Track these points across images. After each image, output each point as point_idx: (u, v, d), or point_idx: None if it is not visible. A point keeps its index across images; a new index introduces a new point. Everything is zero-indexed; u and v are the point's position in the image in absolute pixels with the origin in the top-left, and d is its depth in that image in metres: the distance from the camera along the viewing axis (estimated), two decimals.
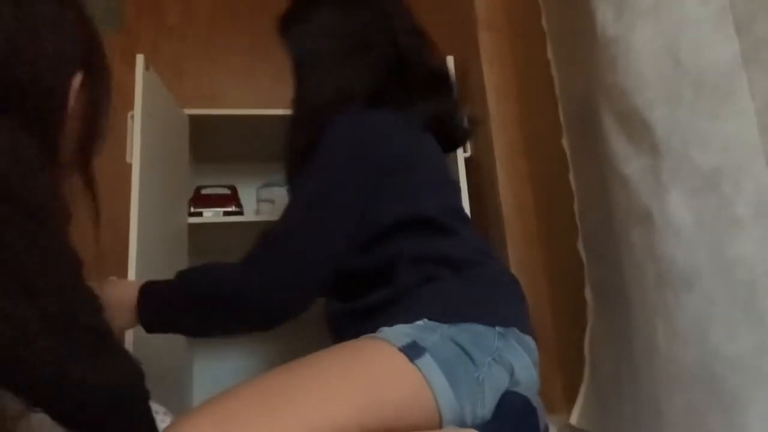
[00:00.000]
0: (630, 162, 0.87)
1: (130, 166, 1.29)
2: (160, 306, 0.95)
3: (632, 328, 0.92)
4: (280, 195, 1.82)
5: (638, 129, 0.85)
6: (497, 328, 0.85)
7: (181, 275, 0.98)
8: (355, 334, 0.84)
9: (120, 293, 0.95)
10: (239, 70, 2.09)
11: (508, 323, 0.87)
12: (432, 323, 0.83)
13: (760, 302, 0.71)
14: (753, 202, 0.72)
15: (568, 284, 1.28)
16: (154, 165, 1.37)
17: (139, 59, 1.36)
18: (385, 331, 0.82)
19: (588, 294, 1.15)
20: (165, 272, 1.44)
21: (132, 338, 1.19)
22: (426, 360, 0.76)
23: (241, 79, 2.08)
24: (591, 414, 1.13)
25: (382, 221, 0.94)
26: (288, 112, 1.71)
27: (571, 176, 1.21)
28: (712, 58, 0.76)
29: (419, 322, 0.84)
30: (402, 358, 0.75)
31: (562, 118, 1.25)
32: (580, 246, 1.18)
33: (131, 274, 1.21)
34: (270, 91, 2.08)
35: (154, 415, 0.85)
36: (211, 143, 1.83)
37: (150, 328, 0.96)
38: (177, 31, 2.07)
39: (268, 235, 0.92)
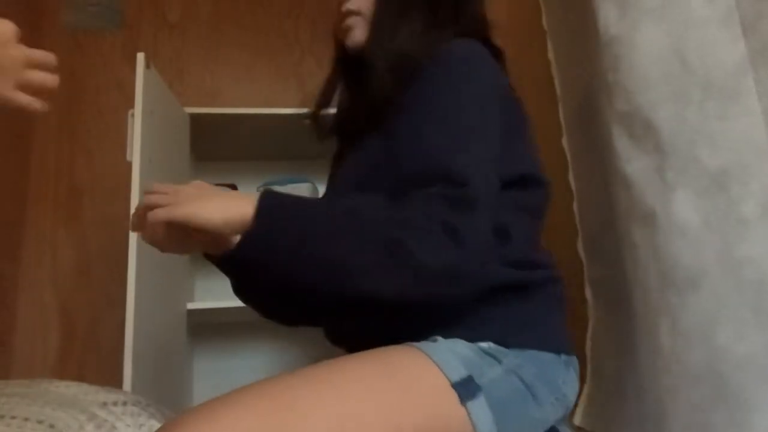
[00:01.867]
0: (632, 161, 0.87)
1: (130, 164, 1.28)
2: (299, 227, 0.69)
3: (635, 327, 0.92)
4: None
5: (642, 128, 0.85)
6: (562, 356, 0.79)
7: (347, 204, 0.73)
8: (387, 339, 0.74)
9: (222, 195, 0.73)
10: (240, 69, 2.08)
11: (570, 350, 0.81)
12: (497, 349, 0.74)
13: None
14: (761, 202, 0.72)
15: (567, 284, 1.28)
16: (155, 163, 1.37)
17: (140, 57, 1.36)
18: (441, 347, 0.72)
19: (588, 294, 1.15)
20: (165, 271, 1.44)
21: (132, 337, 1.19)
22: (478, 402, 0.68)
23: (241, 78, 2.08)
24: (594, 414, 1.13)
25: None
26: (288, 111, 1.71)
27: (570, 176, 1.21)
28: (719, 58, 0.76)
29: (483, 344, 0.75)
30: (451, 397, 0.67)
31: (562, 118, 1.24)
32: (580, 246, 1.17)
33: (131, 274, 1.21)
34: (271, 90, 2.08)
35: (144, 408, 0.85)
36: (212, 142, 1.83)
37: (248, 254, 0.70)
38: (178, 29, 2.07)
39: (456, 195, 0.71)
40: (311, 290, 0.74)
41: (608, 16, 0.89)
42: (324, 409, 0.62)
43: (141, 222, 0.75)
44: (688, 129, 0.78)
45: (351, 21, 0.93)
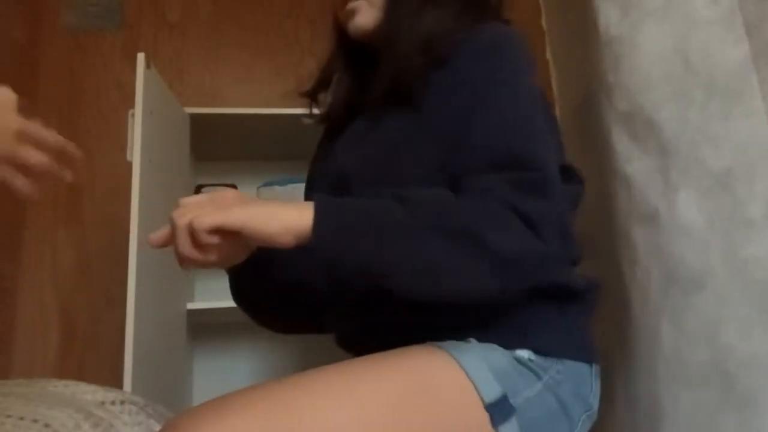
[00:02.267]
0: (633, 161, 0.87)
1: (130, 164, 1.28)
2: (364, 225, 0.64)
3: (632, 328, 0.92)
4: (281, 194, 1.81)
5: (644, 129, 0.84)
6: (593, 366, 0.77)
7: (415, 198, 0.66)
8: (412, 341, 0.70)
9: (268, 202, 0.67)
10: (240, 69, 2.08)
11: (599, 359, 0.79)
12: (538, 361, 0.70)
13: None
14: (766, 202, 0.71)
15: None
16: (155, 164, 1.37)
17: (140, 57, 1.36)
18: (474, 355, 0.67)
19: None
20: (165, 272, 1.44)
21: (132, 337, 1.19)
22: (510, 426, 0.64)
23: (242, 78, 2.08)
24: None
25: None
26: (288, 111, 1.71)
27: None
28: (722, 58, 0.76)
29: (523, 354, 0.71)
30: (482, 419, 0.62)
31: (559, 119, 1.24)
32: None
33: (131, 274, 1.21)
34: (271, 90, 2.07)
35: (143, 408, 0.85)
36: (212, 142, 1.83)
37: (324, 250, 0.64)
38: (178, 29, 2.07)
39: (528, 179, 0.68)
40: (383, 291, 0.68)
41: (609, 16, 0.89)
42: (329, 413, 0.59)
43: (172, 237, 0.68)
44: (690, 129, 0.78)
45: (356, 4, 0.89)
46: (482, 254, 0.64)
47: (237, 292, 0.93)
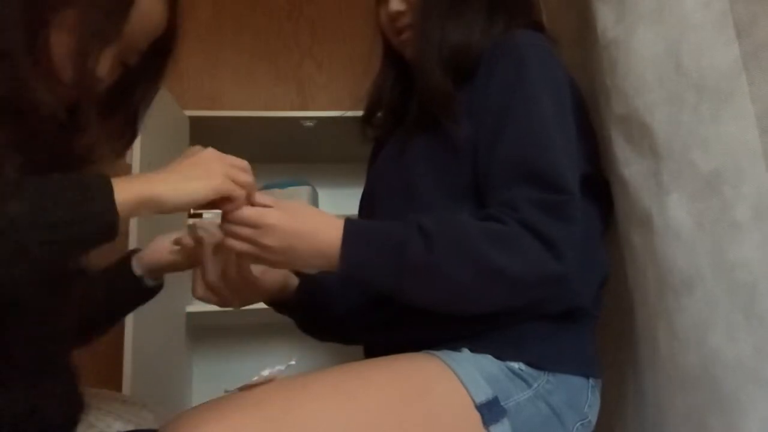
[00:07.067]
0: (630, 164, 0.87)
1: (129, 167, 1.29)
2: (392, 255, 0.68)
3: (636, 330, 0.92)
4: (281, 197, 1.81)
5: (638, 132, 0.85)
6: (590, 380, 0.78)
7: (434, 231, 0.68)
8: (416, 342, 0.74)
9: (315, 222, 0.70)
10: (240, 72, 2.08)
11: (599, 373, 0.80)
12: (529, 371, 0.72)
13: (761, 305, 0.70)
14: (753, 205, 0.71)
15: None
16: (154, 166, 1.37)
17: None
18: (466, 362, 0.70)
19: None
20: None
21: (131, 339, 1.19)
22: (502, 427, 0.66)
23: (241, 81, 2.08)
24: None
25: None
26: (287, 114, 1.71)
27: None
28: (712, 61, 0.76)
29: (514, 365, 0.72)
30: (474, 419, 0.65)
31: None
32: None
33: None
34: (270, 93, 2.08)
35: (131, 406, 0.84)
36: (211, 145, 1.81)
37: (353, 275, 0.71)
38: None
39: (553, 201, 0.70)
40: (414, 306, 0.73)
41: (606, 19, 0.90)
42: (328, 414, 0.61)
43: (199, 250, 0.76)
44: (682, 132, 0.78)
45: (409, 35, 0.91)
46: (498, 280, 0.67)
47: (302, 328, 1.00)
